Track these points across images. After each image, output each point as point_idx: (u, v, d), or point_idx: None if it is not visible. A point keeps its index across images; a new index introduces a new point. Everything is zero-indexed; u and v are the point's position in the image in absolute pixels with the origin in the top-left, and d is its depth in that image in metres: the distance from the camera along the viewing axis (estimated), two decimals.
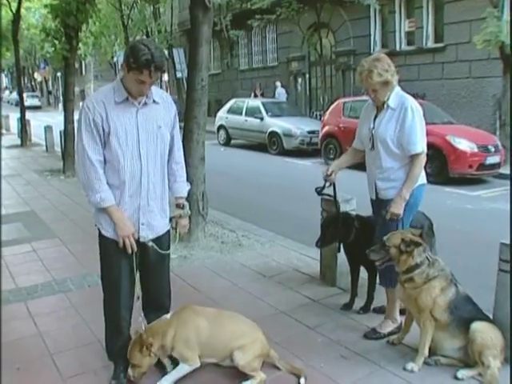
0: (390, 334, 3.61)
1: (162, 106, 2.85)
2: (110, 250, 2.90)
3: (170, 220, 3.06)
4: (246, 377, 3.02)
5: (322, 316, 3.95)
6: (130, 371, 2.99)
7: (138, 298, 3.01)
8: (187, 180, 3.18)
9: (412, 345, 3.41)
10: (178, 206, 3.06)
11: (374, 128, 3.41)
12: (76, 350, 3.49)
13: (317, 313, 4.02)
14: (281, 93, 19.56)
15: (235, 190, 9.30)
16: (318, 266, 4.75)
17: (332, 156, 12.39)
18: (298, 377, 3.08)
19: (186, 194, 3.12)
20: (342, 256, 4.19)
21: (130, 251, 2.83)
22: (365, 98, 4.00)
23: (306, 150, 14.15)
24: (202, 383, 3.07)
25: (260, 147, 15.32)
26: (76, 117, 3.26)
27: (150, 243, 2.92)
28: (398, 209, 3.28)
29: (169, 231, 3.09)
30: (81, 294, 4.42)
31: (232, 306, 3.96)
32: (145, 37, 23.93)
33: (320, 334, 3.67)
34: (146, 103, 2.77)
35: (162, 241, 3.02)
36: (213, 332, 2.99)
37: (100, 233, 2.94)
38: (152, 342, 2.93)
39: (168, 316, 3.05)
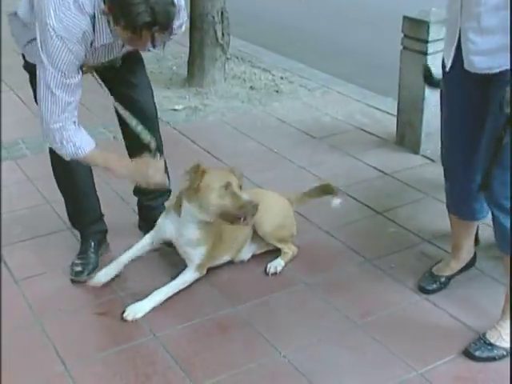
0: None
1: None
2: None
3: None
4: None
5: (397, 197, 3.91)
6: None
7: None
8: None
9: None
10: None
11: None
12: (39, 239, 3.49)
13: (389, 191, 3.99)
14: None
15: (271, 11, 8.88)
16: (393, 124, 4.63)
17: None
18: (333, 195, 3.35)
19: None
20: (429, 110, 4.09)
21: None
22: None
23: None
24: (223, 283, 3.12)
25: None
26: None
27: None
28: None
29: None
30: (39, 162, 4.21)
31: (264, 179, 3.99)
32: None
33: (392, 221, 3.63)
34: None
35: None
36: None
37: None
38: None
39: None
